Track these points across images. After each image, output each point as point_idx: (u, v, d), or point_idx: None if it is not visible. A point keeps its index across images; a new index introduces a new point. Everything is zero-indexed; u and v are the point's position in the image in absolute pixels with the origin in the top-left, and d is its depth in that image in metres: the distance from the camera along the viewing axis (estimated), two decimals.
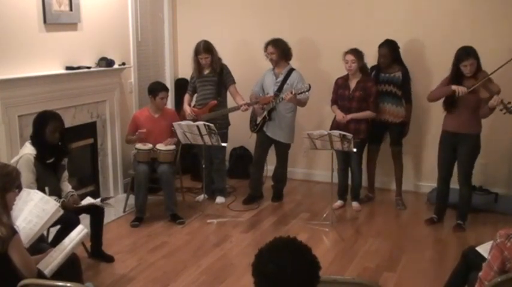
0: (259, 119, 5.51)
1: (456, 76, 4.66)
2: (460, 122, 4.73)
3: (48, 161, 3.97)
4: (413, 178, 6.00)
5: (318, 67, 6.11)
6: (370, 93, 5.23)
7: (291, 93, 5.14)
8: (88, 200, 4.13)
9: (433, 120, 5.60)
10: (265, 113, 5.41)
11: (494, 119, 5.44)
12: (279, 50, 5.39)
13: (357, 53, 5.16)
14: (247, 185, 5.82)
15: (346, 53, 5.19)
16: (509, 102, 4.42)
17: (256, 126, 5.55)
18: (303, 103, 5.41)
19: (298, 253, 1.74)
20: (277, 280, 1.70)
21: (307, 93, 5.18)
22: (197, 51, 5.43)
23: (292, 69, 5.47)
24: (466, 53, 4.58)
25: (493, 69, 4.58)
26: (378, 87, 5.33)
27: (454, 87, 4.59)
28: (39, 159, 3.89)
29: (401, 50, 5.42)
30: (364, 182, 5.73)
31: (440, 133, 4.96)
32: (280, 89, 5.40)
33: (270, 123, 5.46)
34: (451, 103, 4.72)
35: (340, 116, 5.25)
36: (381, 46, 5.34)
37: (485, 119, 5.23)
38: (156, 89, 5.28)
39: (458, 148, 4.81)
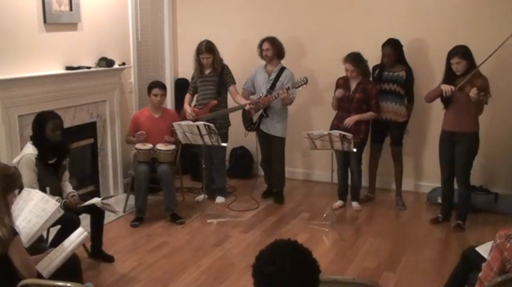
0: (255, 118, 5.55)
1: (449, 74, 4.71)
2: (456, 121, 4.76)
3: (50, 162, 3.98)
4: (414, 178, 5.99)
5: (319, 67, 6.10)
6: (371, 94, 5.23)
7: (287, 89, 5.24)
8: (93, 201, 4.09)
9: (433, 120, 5.60)
10: (262, 110, 5.47)
11: (494, 118, 5.46)
12: (275, 47, 5.48)
13: (354, 61, 5.15)
14: (248, 185, 5.82)
15: (345, 61, 5.18)
16: (485, 94, 4.46)
17: (254, 125, 5.60)
18: (290, 100, 5.46)
19: (299, 255, 1.75)
20: (276, 281, 1.70)
21: (304, 86, 5.26)
22: (199, 51, 5.43)
23: (283, 68, 5.53)
24: (455, 52, 4.65)
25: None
26: (380, 86, 5.34)
27: (442, 86, 4.67)
28: (41, 159, 3.89)
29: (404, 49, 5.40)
30: (365, 182, 5.73)
31: (440, 133, 4.98)
32: (272, 87, 5.47)
33: (266, 120, 5.53)
34: (445, 101, 4.79)
35: (340, 93, 5.25)
36: (384, 45, 5.33)
37: (485, 119, 5.24)
38: (150, 86, 5.29)
39: (456, 147, 4.82)
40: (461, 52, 4.61)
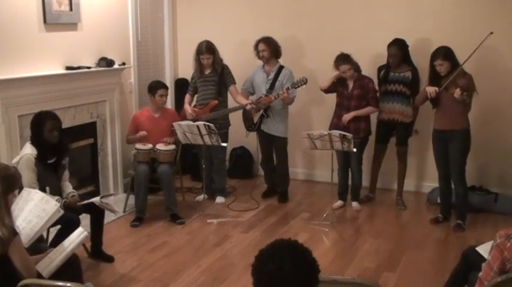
0: (256, 118, 5.54)
1: (433, 76, 4.80)
2: (446, 120, 4.82)
3: (49, 161, 3.98)
4: (415, 178, 5.98)
5: (319, 67, 6.08)
6: (368, 89, 5.24)
7: (287, 89, 5.23)
8: (92, 199, 4.10)
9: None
10: (262, 110, 5.47)
11: (493, 118, 5.46)
12: (271, 47, 5.48)
13: (348, 60, 5.15)
14: (248, 185, 5.82)
15: (339, 64, 5.17)
16: (468, 94, 4.58)
17: (254, 125, 5.60)
18: (291, 100, 5.46)
19: (299, 254, 1.74)
20: (276, 280, 1.70)
21: (303, 86, 5.24)
22: (199, 51, 5.43)
23: (281, 67, 5.54)
24: (436, 54, 4.75)
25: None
26: (386, 87, 5.33)
27: (426, 89, 4.78)
28: (40, 159, 3.89)
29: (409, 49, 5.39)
30: (366, 182, 5.72)
31: (432, 132, 5.02)
32: (272, 87, 5.47)
33: (267, 120, 5.53)
34: (432, 102, 4.86)
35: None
36: (390, 45, 5.30)
37: (485, 118, 5.25)
38: (154, 86, 5.29)
39: (449, 146, 4.86)
40: (443, 54, 4.70)
